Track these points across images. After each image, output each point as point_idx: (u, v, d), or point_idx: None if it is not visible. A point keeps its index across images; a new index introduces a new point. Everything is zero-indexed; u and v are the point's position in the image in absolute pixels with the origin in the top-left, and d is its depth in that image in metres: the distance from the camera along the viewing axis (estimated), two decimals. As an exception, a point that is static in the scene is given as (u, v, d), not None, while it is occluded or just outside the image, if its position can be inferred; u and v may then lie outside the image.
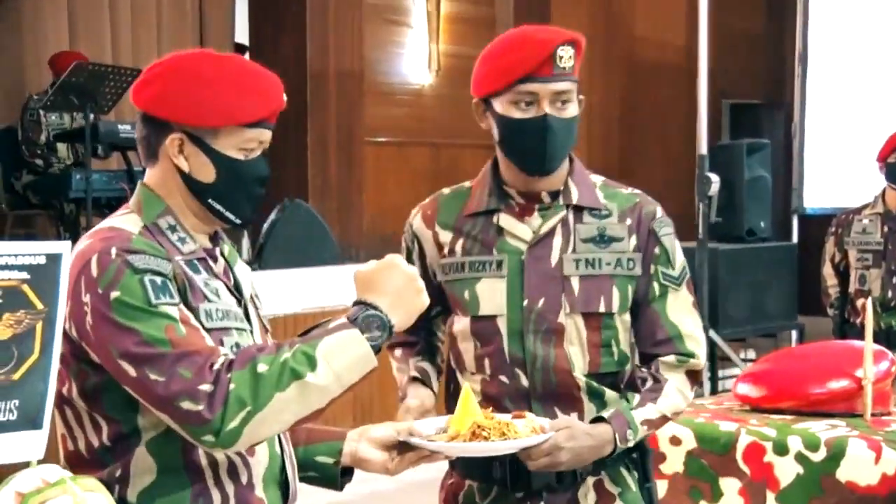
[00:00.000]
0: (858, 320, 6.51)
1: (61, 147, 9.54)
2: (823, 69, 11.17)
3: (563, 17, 11.96)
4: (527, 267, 3.17)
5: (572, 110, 3.16)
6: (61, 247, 2.60)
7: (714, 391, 8.60)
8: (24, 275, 2.54)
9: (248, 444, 2.51)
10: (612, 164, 11.76)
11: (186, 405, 2.44)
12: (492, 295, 3.17)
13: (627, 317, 3.20)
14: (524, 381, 3.14)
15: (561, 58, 3.10)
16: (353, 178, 10.86)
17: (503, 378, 3.16)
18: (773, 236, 10.80)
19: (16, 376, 2.55)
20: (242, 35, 11.35)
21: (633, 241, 3.20)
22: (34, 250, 2.57)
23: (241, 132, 2.65)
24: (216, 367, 2.46)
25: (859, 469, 3.87)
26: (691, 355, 3.20)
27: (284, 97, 2.71)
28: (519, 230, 3.20)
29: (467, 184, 3.35)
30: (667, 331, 3.18)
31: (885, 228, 6.51)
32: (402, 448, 2.88)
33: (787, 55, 12.20)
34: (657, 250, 3.22)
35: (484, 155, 11.33)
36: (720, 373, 9.64)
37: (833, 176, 11.02)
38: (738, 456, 4.08)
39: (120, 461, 2.60)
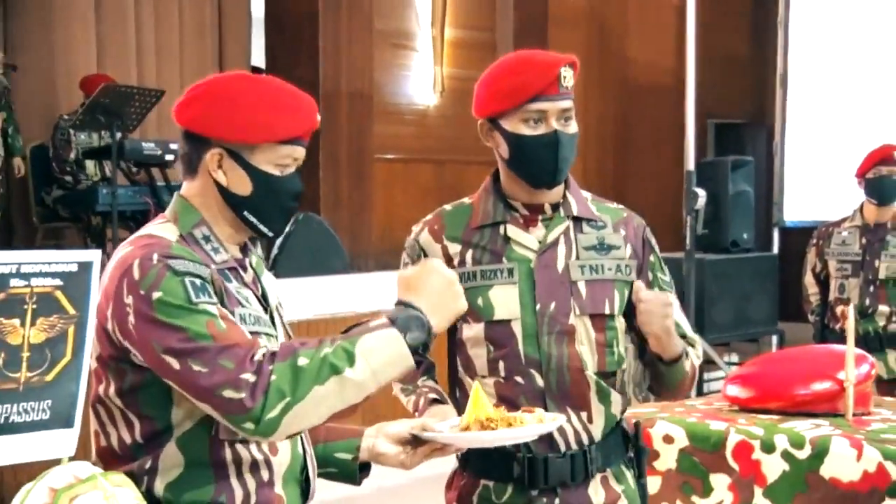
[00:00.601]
0: (838, 326, 6.51)
1: (89, 164, 9.55)
2: (803, 90, 11.19)
3: (559, 41, 11.96)
4: (536, 273, 3.17)
5: (574, 126, 3.21)
6: (92, 255, 2.61)
7: (700, 392, 8.57)
8: (58, 282, 2.55)
9: (285, 433, 2.48)
10: (606, 179, 11.77)
11: (229, 394, 2.42)
12: (505, 300, 3.16)
13: (623, 320, 3.21)
14: (539, 381, 3.13)
15: (564, 77, 3.14)
16: (362, 193, 10.84)
17: (518, 379, 3.14)
18: (756, 247, 10.85)
19: (49, 378, 2.56)
20: (259, 59, 11.35)
21: (629, 249, 3.24)
22: (67, 258, 2.58)
23: (277, 149, 2.63)
24: (257, 357, 2.44)
25: (842, 466, 3.84)
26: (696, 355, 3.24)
27: (318, 117, 2.71)
28: (526, 240, 3.21)
29: (466, 200, 3.35)
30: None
31: (863, 240, 6.51)
32: (415, 443, 2.86)
33: (768, 76, 12.23)
34: (652, 258, 3.28)
35: (485, 170, 11.31)
36: (706, 375, 9.64)
37: (811, 191, 11.04)
38: (728, 453, 4.06)
39: (150, 455, 2.58)
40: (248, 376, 2.42)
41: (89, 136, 9.51)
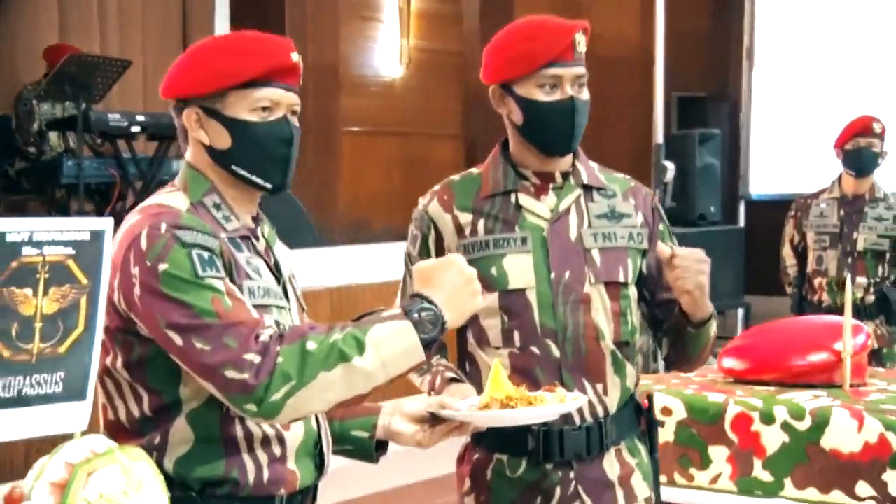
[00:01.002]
0: (816, 298, 6.52)
1: (53, 135, 9.37)
2: (768, 64, 11.20)
3: (525, 13, 11.85)
4: (550, 241, 3.14)
5: (587, 93, 3.17)
6: (104, 223, 2.52)
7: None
8: (70, 250, 2.46)
9: (288, 418, 2.42)
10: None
11: (231, 373, 2.36)
12: (520, 269, 3.12)
13: (635, 289, 3.19)
14: (555, 351, 3.10)
15: (578, 43, 3.12)
16: (329, 166, 10.77)
17: (534, 349, 3.10)
18: (722, 220, 10.85)
19: (61, 349, 2.47)
20: (224, 30, 11.21)
21: (640, 217, 3.22)
22: (79, 226, 2.49)
23: (248, 93, 2.55)
24: (262, 338, 2.38)
25: (843, 437, 3.84)
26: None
27: (294, 56, 2.62)
28: (538, 208, 3.18)
29: (475, 170, 3.31)
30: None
31: (841, 212, 6.51)
32: (433, 421, 2.79)
33: (732, 51, 12.25)
34: (661, 226, 3.27)
35: (451, 143, 11.35)
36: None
37: (776, 164, 11.06)
38: (727, 425, 4.04)
39: (159, 430, 2.53)
40: (252, 356, 2.36)
41: (53, 106, 9.36)
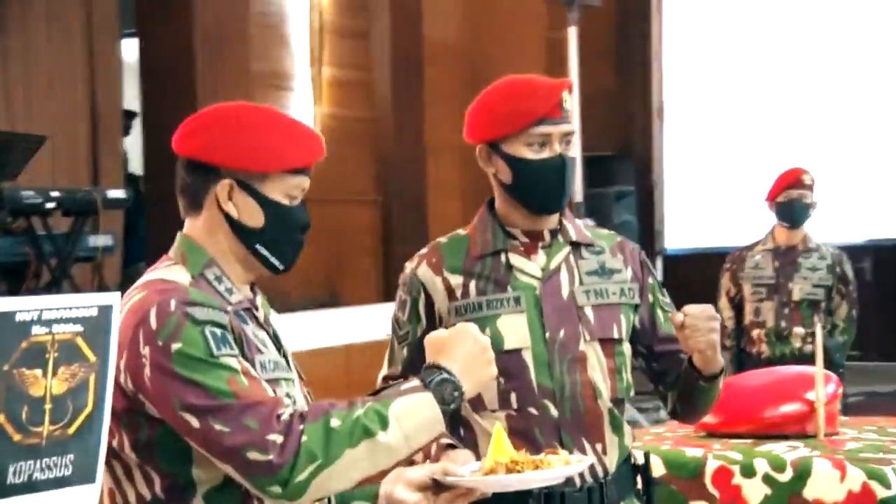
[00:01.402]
0: (755, 349, 6.57)
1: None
2: (676, 121, 11.36)
3: (435, 80, 11.98)
4: (543, 300, 3.13)
5: (573, 151, 3.15)
6: (111, 298, 2.45)
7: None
8: (78, 327, 2.38)
9: (312, 497, 2.37)
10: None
11: (253, 455, 2.30)
12: (515, 329, 3.10)
13: (629, 346, 3.19)
14: (553, 412, 3.07)
15: (565, 101, 3.12)
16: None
17: (532, 410, 3.07)
18: (641, 276, 10.92)
19: (70, 431, 2.39)
20: (134, 103, 11.14)
21: (629, 272, 3.23)
22: (86, 302, 2.42)
23: (287, 178, 2.55)
24: (284, 417, 2.33)
25: (826, 487, 3.86)
26: None
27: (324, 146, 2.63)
28: (529, 267, 3.17)
29: (461, 231, 3.30)
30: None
31: (776, 263, 6.59)
32: (436, 489, 2.73)
33: (636, 110, 12.45)
34: (651, 280, 3.28)
35: (365, 210, 11.35)
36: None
37: (688, 219, 11.19)
38: (707, 480, 4.04)
39: None
40: (275, 437, 2.30)
41: (-38, 185, 9.14)
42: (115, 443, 2.47)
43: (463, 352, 2.49)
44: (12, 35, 10.08)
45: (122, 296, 2.53)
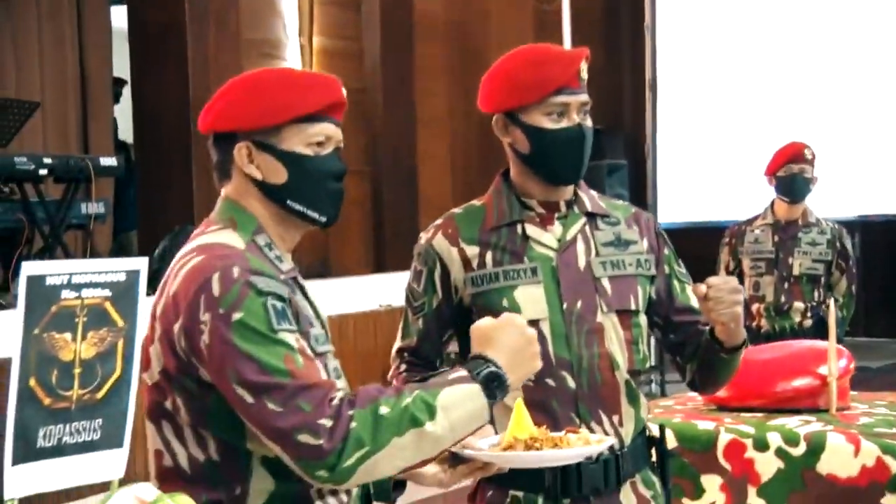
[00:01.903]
0: (753, 324, 6.55)
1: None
2: (668, 94, 11.34)
3: (425, 53, 11.93)
4: (560, 271, 3.10)
5: (590, 121, 3.11)
6: (139, 263, 2.44)
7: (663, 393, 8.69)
8: (107, 292, 2.37)
9: (357, 483, 2.36)
10: (475, 189, 11.73)
11: (304, 438, 2.28)
12: (532, 300, 3.07)
13: (645, 317, 3.17)
14: (571, 383, 3.05)
15: (583, 70, 3.08)
16: (236, 206, 10.63)
17: (549, 381, 3.04)
18: (631, 251, 10.94)
19: (99, 395, 2.39)
20: (123, 70, 11.07)
21: (645, 243, 3.20)
22: (115, 267, 2.41)
23: (304, 128, 2.49)
24: (335, 402, 2.30)
25: (840, 462, 3.85)
26: None
27: (343, 92, 2.57)
28: (545, 238, 3.14)
29: (476, 202, 3.27)
30: (703, 319, 3.11)
31: (776, 238, 6.57)
32: (453, 461, 2.71)
33: (624, 83, 12.45)
34: (666, 251, 3.25)
35: (355, 180, 11.22)
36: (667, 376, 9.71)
37: (680, 193, 11.17)
38: (720, 453, 4.02)
39: (237, 480, 2.43)
40: (326, 421, 2.28)
41: (-47, 151, 9.09)
42: (167, 404, 2.45)
43: (510, 344, 2.47)
44: (1, 4, 10.01)
45: (149, 261, 2.51)
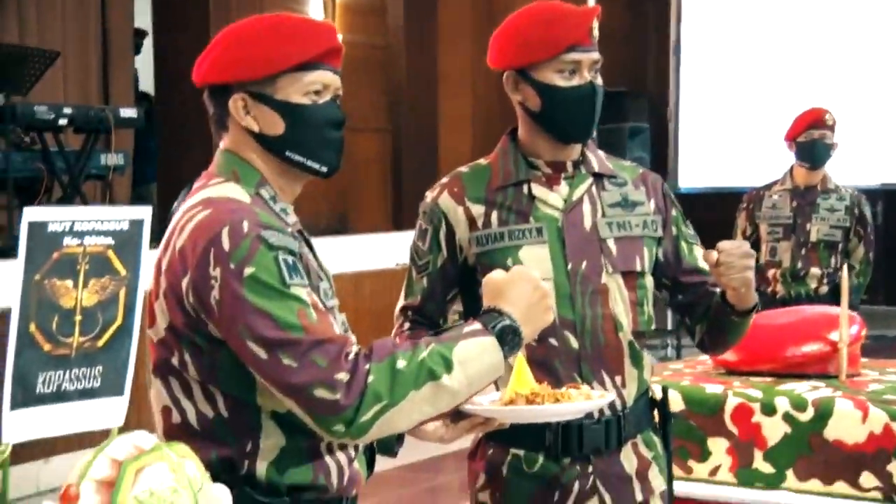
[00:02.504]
0: (769, 289, 6.54)
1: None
2: (693, 59, 11.30)
3: (447, 8, 11.90)
4: (566, 232, 3.09)
5: (600, 79, 3.11)
6: (143, 212, 2.46)
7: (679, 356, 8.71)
8: (110, 240, 2.39)
9: (374, 437, 2.34)
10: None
11: (320, 393, 2.25)
12: (537, 260, 3.05)
13: (651, 279, 3.15)
14: (574, 343, 3.04)
15: (594, 28, 3.05)
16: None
17: (552, 341, 3.03)
18: (653, 214, 10.95)
19: (100, 343, 2.41)
20: (146, 21, 11.07)
21: (652, 204, 3.18)
22: (118, 216, 2.42)
23: (299, 76, 2.44)
24: (351, 356, 2.28)
25: (847, 428, 3.84)
26: None
27: (339, 38, 2.53)
28: (551, 198, 3.12)
29: (483, 161, 3.24)
30: (711, 279, 3.10)
31: (794, 203, 6.54)
32: (455, 417, 2.70)
33: (649, 46, 12.40)
34: (674, 212, 3.23)
35: (376, 137, 11.17)
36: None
37: (702, 157, 11.15)
38: (727, 417, 4.02)
39: (248, 435, 2.41)
40: (343, 376, 2.25)
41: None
42: (174, 360, 2.42)
43: (523, 297, 2.44)
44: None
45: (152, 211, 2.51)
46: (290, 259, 2.34)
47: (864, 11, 10.73)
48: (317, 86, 2.47)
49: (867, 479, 3.82)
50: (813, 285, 6.44)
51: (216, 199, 2.42)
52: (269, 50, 2.43)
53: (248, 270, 2.29)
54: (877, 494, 3.82)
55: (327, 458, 2.46)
